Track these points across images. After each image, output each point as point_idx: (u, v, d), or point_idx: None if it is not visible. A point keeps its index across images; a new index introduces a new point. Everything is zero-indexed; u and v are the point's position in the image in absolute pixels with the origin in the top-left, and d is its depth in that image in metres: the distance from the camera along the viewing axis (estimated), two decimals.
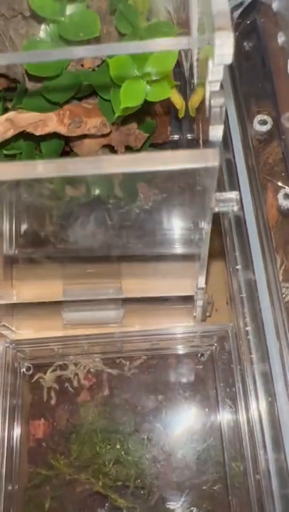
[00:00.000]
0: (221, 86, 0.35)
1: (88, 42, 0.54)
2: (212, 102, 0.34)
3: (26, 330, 0.80)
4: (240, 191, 0.51)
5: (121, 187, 0.52)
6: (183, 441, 0.72)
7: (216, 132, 0.36)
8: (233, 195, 0.31)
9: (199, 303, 0.70)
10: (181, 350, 0.77)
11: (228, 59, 0.30)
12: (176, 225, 0.69)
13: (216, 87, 0.35)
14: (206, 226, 0.42)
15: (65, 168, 0.29)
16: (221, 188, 0.52)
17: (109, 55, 0.48)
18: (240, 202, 0.50)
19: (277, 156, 0.63)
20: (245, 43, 0.67)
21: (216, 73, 0.33)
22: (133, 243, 0.67)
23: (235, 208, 0.32)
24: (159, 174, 0.41)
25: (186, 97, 0.60)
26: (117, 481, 0.70)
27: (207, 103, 0.35)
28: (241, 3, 0.61)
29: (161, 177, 0.43)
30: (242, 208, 0.49)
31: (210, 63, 0.33)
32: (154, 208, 0.49)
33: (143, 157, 0.29)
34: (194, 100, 0.53)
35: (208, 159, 0.30)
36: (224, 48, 0.30)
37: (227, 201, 0.31)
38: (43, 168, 0.29)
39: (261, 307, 0.46)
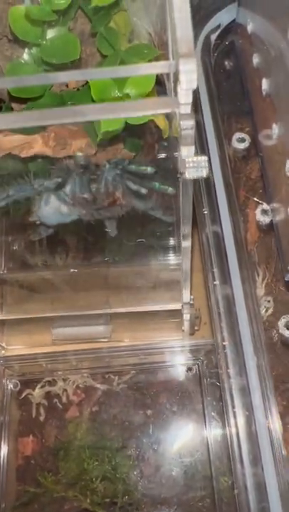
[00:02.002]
0: (193, 109, 0.36)
1: (71, 64, 0.55)
2: (182, 124, 0.36)
3: (16, 346, 0.80)
4: (218, 208, 0.52)
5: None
6: (170, 456, 0.72)
7: (187, 153, 0.37)
8: (202, 158, 0.32)
9: (186, 317, 0.71)
10: (169, 364, 0.78)
11: (194, 84, 0.32)
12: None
13: (187, 110, 0.36)
14: (186, 230, 0.43)
15: (45, 116, 0.29)
16: (200, 206, 0.53)
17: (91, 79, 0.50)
18: (219, 219, 0.51)
19: (258, 172, 0.64)
20: (226, 62, 0.69)
21: (184, 97, 0.34)
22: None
23: (205, 173, 0.32)
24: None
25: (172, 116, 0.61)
26: (104, 497, 0.70)
27: (178, 125, 0.37)
28: (219, 26, 0.63)
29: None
30: (220, 224, 0.50)
31: (178, 88, 0.34)
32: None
33: (118, 105, 0.30)
34: (176, 120, 0.55)
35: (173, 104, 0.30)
36: (189, 74, 0.31)
37: (197, 165, 0.32)
38: (24, 118, 0.29)
39: (239, 322, 0.47)
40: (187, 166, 0.32)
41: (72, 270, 0.76)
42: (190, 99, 0.36)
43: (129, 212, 0.45)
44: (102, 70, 0.34)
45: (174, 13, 0.34)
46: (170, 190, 0.42)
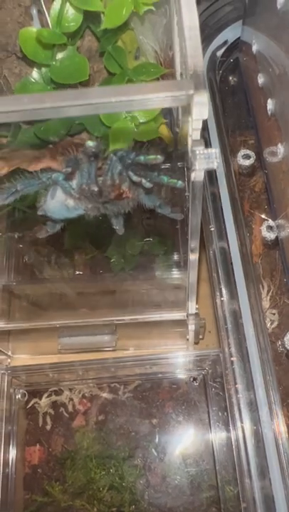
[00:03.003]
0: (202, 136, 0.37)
1: (79, 83, 0.56)
2: (193, 173, 0.36)
3: (22, 355, 0.81)
4: (224, 224, 0.53)
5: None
6: (176, 465, 0.73)
7: (198, 176, 0.38)
8: (213, 150, 0.32)
9: (191, 327, 0.71)
10: (174, 374, 0.79)
11: (205, 115, 0.33)
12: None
13: (197, 136, 0.37)
14: (194, 243, 0.43)
15: (44, 100, 0.30)
16: (206, 222, 0.54)
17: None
18: (225, 235, 0.52)
19: (263, 186, 0.65)
20: (231, 79, 0.70)
21: (195, 124, 0.36)
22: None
23: (215, 165, 0.33)
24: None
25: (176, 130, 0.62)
26: (111, 507, 0.70)
27: (189, 150, 0.38)
28: (225, 42, 0.64)
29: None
30: (226, 240, 0.51)
31: (190, 117, 0.35)
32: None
33: (125, 88, 0.30)
34: (182, 133, 0.56)
35: (184, 87, 0.31)
36: (200, 106, 0.32)
37: (208, 156, 0.32)
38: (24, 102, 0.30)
39: (245, 336, 0.48)
40: (198, 157, 0.32)
41: (78, 281, 0.77)
42: (200, 126, 0.37)
43: (136, 210, 0.45)
44: (114, 104, 0.34)
45: (185, 42, 0.35)
46: (179, 183, 0.41)
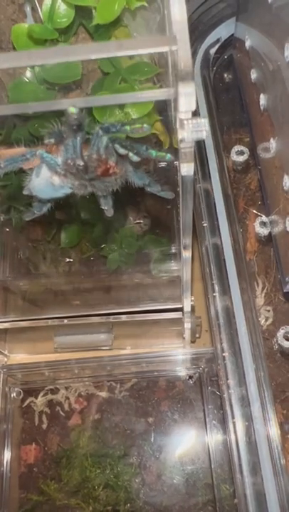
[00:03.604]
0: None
1: (73, 83, 0.56)
2: (182, 144, 0.36)
3: (19, 354, 0.81)
4: (217, 220, 0.53)
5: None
6: (172, 463, 0.72)
7: (187, 169, 0.38)
8: (202, 120, 0.31)
9: (187, 325, 0.71)
10: (170, 372, 0.79)
11: (192, 106, 0.33)
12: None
13: (188, 141, 0.37)
14: (187, 240, 0.43)
15: (36, 55, 0.30)
16: (199, 218, 0.54)
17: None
18: (218, 231, 0.52)
19: (258, 183, 0.65)
20: (225, 76, 0.70)
21: (184, 116, 0.35)
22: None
23: (204, 134, 0.32)
24: None
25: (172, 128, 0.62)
26: (107, 505, 0.70)
27: (178, 143, 0.37)
28: (218, 40, 0.64)
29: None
30: (219, 236, 0.51)
31: (179, 107, 0.35)
32: None
33: (114, 44, 0.31)
34: (177, 134, 0.56)
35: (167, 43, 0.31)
36: (187, 97, 0.32)
37: (197, 125, 0.32)
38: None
39: (238, 333, 0.48)
40: (186, 127, 0.32)
41: (74, 277, 0.77)
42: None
43: (124, 189, 0.44)
44: (105, 97, 0.34)
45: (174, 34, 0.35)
46: (168, 157, 0.40)
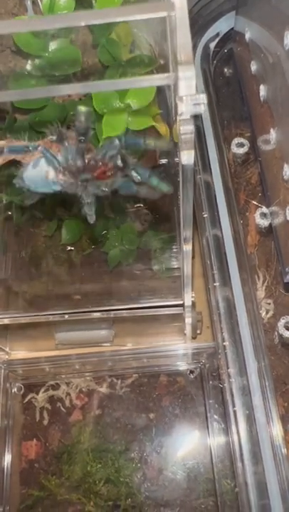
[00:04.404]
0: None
1: (73, 74, 0.56)
2: (182, 129, 0.36)
3: (20, 350, 0.81)
4: (218, 212, 0.53)
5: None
6: (173, 458, 0.72)
7: (187, 157, 0.38)
8: (201, 95, 0.32)
9: (188, 320, 0.71)
10: (171, 367, 0.78)
11: (192, 90, 0.33)
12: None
13: (186, 116, 0.37)
14: (187, 233, 0.43)
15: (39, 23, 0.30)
16: (200, 209, 0.54)
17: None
18: (218, 222, 0.52)
19: (259, 177, 0.65)
20: (225, 69, 0.70)
21: (184, 102, 0.35)
22: None
23: (202, 108, 0.32)
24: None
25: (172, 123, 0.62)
26: (108, 500, 0.70)
27: (178, 130, 0.38)
28: (218, 34, 0.65)
29: None
30: (220, 227, 0.51)
31: (178, 93, 0.35)
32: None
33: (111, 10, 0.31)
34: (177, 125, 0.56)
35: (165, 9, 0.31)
36: (187, 80, 0.32)
37: (195, 99, 0.32)
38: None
39: (239, 323, 0.47)
40: (185, 102, 0.32)
41: (75, 275, 0.77)
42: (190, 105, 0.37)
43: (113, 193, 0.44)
44: (104, 82, 0.35)
45: (173, 23, 0.35)
46: (168, 188, 0.41)
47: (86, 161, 0.40)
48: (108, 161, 0.40)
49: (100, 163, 0.39)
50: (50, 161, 0.40)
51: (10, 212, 0.73)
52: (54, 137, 0.40)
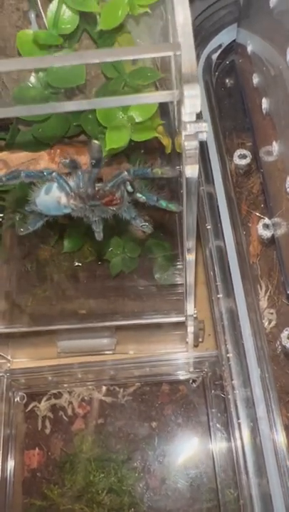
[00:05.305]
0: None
1: (76, 88, 0.57)
2: (186, 144, 0.37)
3: (22, 359, 0.81)
4: (221, 223, 0.53)
5: None
6: (176, 468, 0.72)
7: (191, 171, 0.39)
8: (203, 124, 0.33)
9: (190, 329, 0.71)
10: (173, 376, 0.78)
11: (197, 108, 0.33)
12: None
13: (191, 131, 0.37)
14: (191, 244, 0.44)
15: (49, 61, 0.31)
16: (203, 220, 0.54)
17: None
18: (221, 233, 0.52)
19: (260, 187, 0.66)
20: (227, 81, 0.70)
21: (188, 118, 0.36)
22: None
23: (205, 137, 0.33)
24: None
25: (174, 132, 0.63)
26: (111, 510, 0.70)
27: (183, 144, 0.38)
28: (220, 46, 0.65)
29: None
30: (223, 238, 0.51)
31: (183, 110, 0.35)
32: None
33: (118, 50, 0.32)
34: (180, 137, 0.57)
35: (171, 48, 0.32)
36: (192, 99, 0.32)
37: (198, 128, 0.33)
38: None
39: (242, 334, 0.48)
40: (188, 130, 0.33)
41: (77, 284, 0.77)
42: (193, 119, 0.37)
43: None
44: (108, 99, 0.35)
45: (178, 38, 0.36)
46: (175, 207, 0.43)
47: (96, 188, 0.42)
48: (116, 190, 0.42)
49: (109, 193, 0.42)
50: (63, 187, 0.43)
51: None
52: (67, 161, 0.43)
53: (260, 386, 0.45)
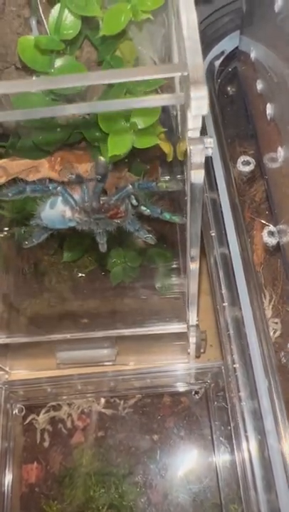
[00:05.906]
0: (202, 134, 0.37)
1: (77, 95, 0.56)
2: (192, 148, 0.36)
3: (20, 370, 0.80)
4: (225, 230, 0.52)
5: None
6: (178, 482, 0.70)
7: (197, 176, 0.38)
8: (208, 139, 0.33)
9: (192, 340, 0.70)
10: (175, 388, 0.77)
11: (204, 110, 0.32)
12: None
13: (195, 135, 0.37)
14: (194, 252, 0.43)
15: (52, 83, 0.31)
16: (207, 227, 0.53)
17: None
18: (226, 240, 0.51)
19: (263, 194, 0.65)
20: (229, 88, 0.70)
21: (194, 122, 0.35)
22: None
23: (210, 152, 0.33)
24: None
25: (176, 140, 0.62)
26: None
27: (188, 149, 0.37)
28: (223, 52, 0.65)
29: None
30: (227, 246, 0.50)
31: (188, 113, 0.35)
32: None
33: (122, 71, 0.32)
34: (182, 145, 0.56)
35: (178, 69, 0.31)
36: (199, 100, 0.32)
37: (204, 144, 0.33)
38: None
39: (248, 344, 0.46)
40: (194, 146, 0.33)
41: (77, 293, 0.76)
42: (199, 125, 0.37)
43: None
44: (110, 102, 0.35)
45: (184, 42, 0.35)
46: (179, 219, 0.44)
47: (101, 202, 0.43)
48: (121, 203, 0.43)
49: (113, 206, 0.42)
50: (68, 201, 0.43)
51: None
52: (73, 176, 0.43)
53: (267, 397, 0.44)
